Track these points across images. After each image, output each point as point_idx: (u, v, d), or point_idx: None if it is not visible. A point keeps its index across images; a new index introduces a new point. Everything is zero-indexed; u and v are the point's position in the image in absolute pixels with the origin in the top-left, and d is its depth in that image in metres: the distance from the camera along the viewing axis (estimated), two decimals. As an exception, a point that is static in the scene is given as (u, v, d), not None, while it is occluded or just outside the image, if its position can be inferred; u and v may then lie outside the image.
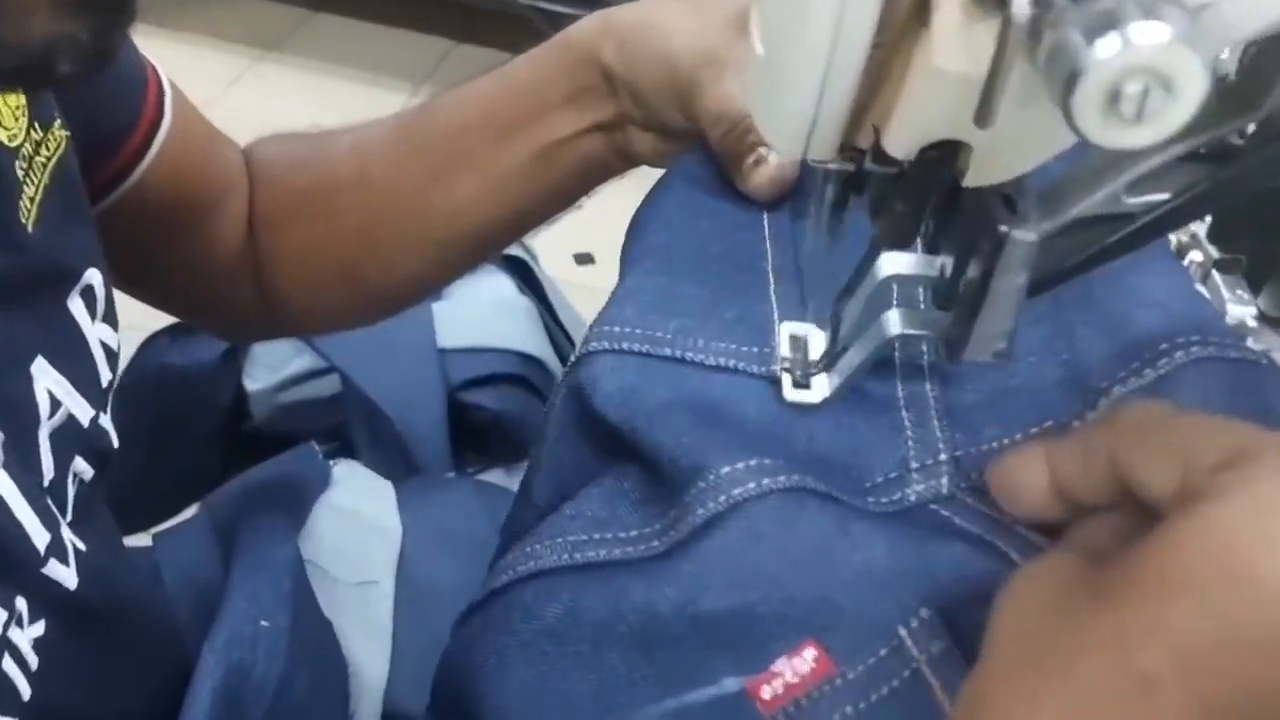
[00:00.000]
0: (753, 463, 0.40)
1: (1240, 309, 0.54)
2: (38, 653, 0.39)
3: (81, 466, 0.46)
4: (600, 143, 0.59)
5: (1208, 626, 0.28)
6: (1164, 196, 0.36)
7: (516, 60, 0.60)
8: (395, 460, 0.78)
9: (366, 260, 0.64)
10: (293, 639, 0.50)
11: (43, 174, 0.46)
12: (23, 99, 0.46)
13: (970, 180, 0.34)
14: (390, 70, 2.18)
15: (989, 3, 0.28)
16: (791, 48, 0.31)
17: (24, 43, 0.34)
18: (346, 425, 0.82)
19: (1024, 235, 0.34)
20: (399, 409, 0.79)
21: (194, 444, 0.85)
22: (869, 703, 0.37)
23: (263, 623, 0.50)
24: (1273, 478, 0.29)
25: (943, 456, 0.41)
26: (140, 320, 0.73)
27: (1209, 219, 0.56)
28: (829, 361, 0.42)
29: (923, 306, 0.41)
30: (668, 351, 0.44)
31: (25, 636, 0.39)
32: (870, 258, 0.40)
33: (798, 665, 0.37)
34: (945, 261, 0.38)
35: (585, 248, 1.71)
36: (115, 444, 0.48)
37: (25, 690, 0.38)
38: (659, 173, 0.57)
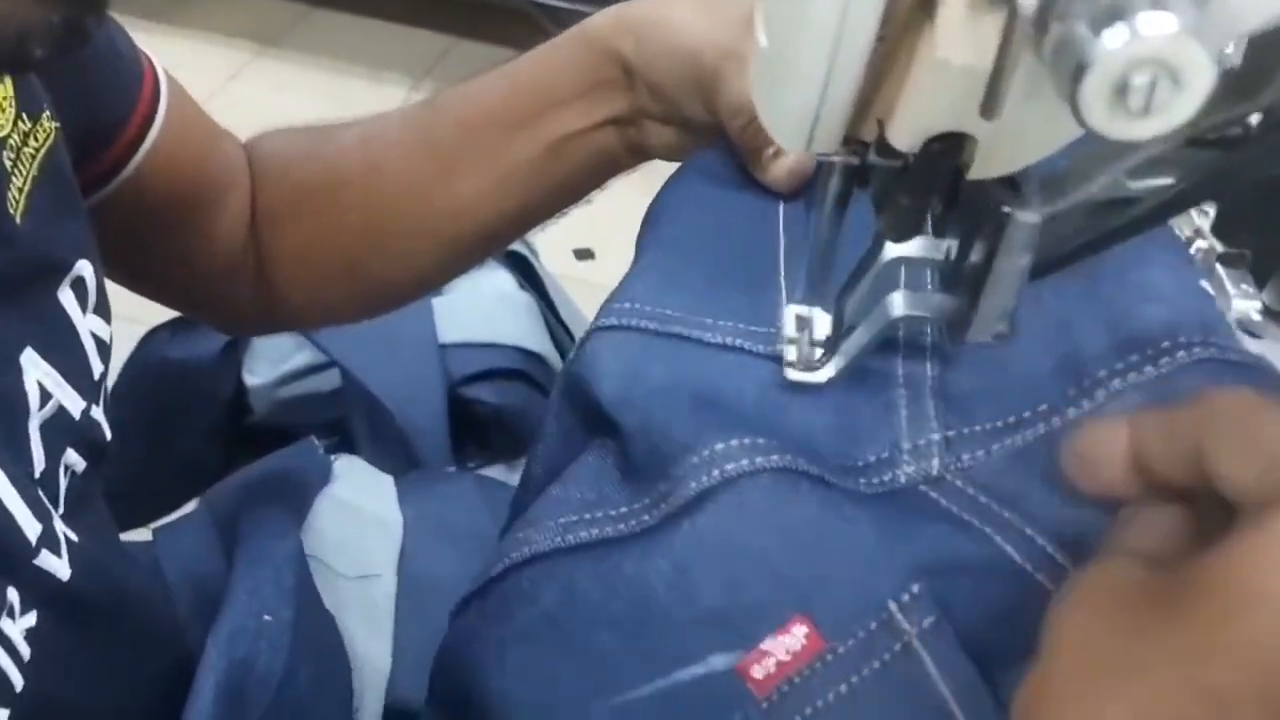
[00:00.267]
0: (746, 440, 0.40)
1: (1245, 303, 0.54)
2: (30, 644, 0.39)
3: (73, 458, 0.46)
4: (612, 137, 0.59)
5: None
6: (1168, 181, 0.36)
7: (527, 55, 0.60)
8: (396, 455, 0.78)
9: (371, 255, 0.63)
10: (295, 633, 0.50)
11: (31, 165, 0.46)
12: (10, 90, 0.46)
13: (975, 173, 0.34)
14: (391, 66, 2.18)
15: (994, -5, 0.28)
16: (795, 40, 0.31)
17: None
18: (347, 420, 0.82)
19: (1027, 216, 0.34)
20: (399, 404, 0.79)
21: (194, 438, 0.85)
22: (861, 676, 0.37)
23: (265, 617, 0.50)
24: None
25: (935, 436, 0.41)
26: (140, 313, 0.73)
27: (1213, 213, 0.56)
28: (834, 342, 0.43)
29: (929, 289, 0.41)
30: (676, 329, 0.44)
31: (17, 628, 0.39)
32: (874, 251, 0.40)
33: (788, 643, 0.37)
34: (951, 244, 0.38)
35: (586, 243, 1.71)
36: (108, 436, 0.48)
37: (18, 681, 0.38)
38: (663, 168, 0.57)
